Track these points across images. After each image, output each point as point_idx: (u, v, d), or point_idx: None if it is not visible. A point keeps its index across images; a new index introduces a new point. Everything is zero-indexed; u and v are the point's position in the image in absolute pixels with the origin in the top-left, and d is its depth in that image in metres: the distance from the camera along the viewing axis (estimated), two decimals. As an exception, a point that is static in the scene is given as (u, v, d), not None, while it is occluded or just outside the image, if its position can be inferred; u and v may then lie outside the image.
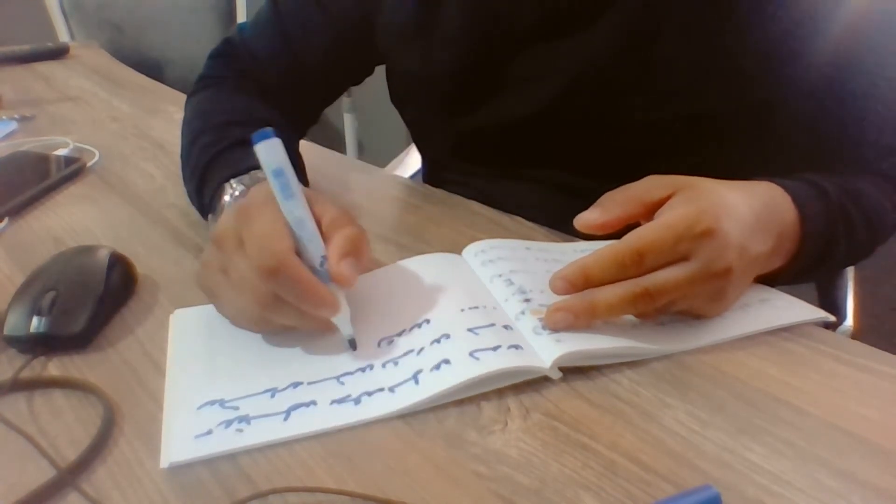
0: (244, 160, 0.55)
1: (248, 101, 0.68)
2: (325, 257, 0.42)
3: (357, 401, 0.39)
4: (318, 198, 0.46)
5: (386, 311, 0.47)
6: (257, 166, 0.48)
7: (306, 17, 0.69)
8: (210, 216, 0.55)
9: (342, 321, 0.43)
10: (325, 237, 0.43)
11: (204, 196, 0.57)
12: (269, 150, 0.42)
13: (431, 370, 0.40)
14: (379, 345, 0.44)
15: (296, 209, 0.42)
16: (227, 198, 0.53)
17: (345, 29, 0.68)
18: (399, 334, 0.44)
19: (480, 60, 0.63)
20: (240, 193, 0.52)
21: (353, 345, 0.43)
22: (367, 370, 0.41)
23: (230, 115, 0.64)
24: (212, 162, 0.57)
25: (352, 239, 0.43)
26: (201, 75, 0.73)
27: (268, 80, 0.70)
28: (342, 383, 0.41)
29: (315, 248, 0.42)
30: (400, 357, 0.42)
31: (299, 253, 0.42)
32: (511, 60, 0.62)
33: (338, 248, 0.42)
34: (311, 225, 0.43)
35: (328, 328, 0.43)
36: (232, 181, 0.54)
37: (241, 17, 1.87)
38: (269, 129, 0.42)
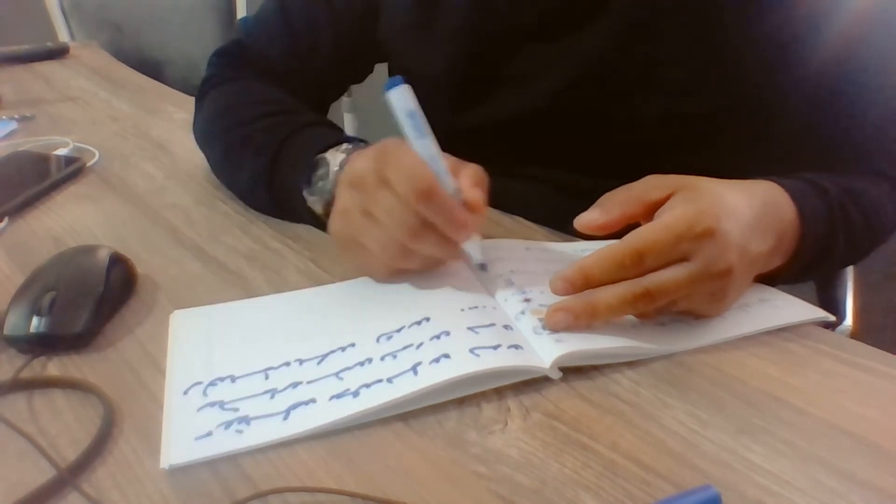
0: (329, 136, 0.57)
1: (282, 93, 0.68)
2: (457, 189, 0.46)
3: (356, 394, 0.39)
4: None
5: (385, 308, 0.47)
6: (346, 140, 0.55)
7: (311, 13, 0.69)
8: (305, 190, 0.56)
9: (474, 247, 0.47)
10: (452, 173, 0.47)
11: (281, 174, 0.58)
12: (402, 95, 0.46)
13: (431, 363, 0.40)
14: (378, 340, 0.44)
15: (429, 147, 0.46)
16: (332, 167, 0.54)
17: (349, 25, 0.69)
18: (398, 330, 0.44)
19: (480, 58, 0.63)
20: (342, 161, 0.54)
21: (483, 268, 0.48)
22: (366, 364, 0.41)
23: (279, 104, 0.65)
24: (288, 141, 0.58)
25: (478, 173, 0.48)
26: (211, 73, 0.73)
27: (275, 77, 0.70)
28: (341, 378, 0.41)
29: (448, 181, 0.46)
30: (399, 351, 0.42)
31: None
32: (511, 58, 0.62)
33: (468, 178, 0.47)
34: (444, 161, 0.47)
35: (459, 257, 0.48)
36: (331, 150, 0.55)
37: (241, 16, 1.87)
38: (398, 77, 0.46)
